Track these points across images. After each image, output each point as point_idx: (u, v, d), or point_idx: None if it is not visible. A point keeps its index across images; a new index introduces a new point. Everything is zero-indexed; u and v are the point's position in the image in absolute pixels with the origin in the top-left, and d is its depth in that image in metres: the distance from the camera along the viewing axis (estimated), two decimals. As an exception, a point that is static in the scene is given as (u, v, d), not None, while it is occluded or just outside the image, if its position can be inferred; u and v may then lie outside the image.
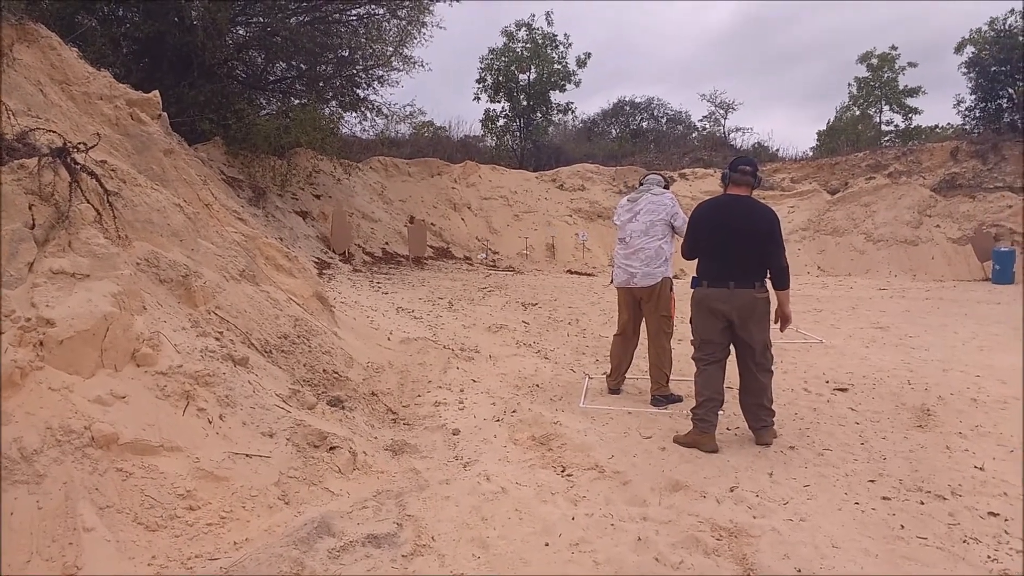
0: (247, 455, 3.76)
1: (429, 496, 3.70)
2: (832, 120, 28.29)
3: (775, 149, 26.44)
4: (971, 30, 22.45)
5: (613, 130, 34.43)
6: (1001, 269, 16.92)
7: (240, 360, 4.62)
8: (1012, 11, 21.73)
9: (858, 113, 26.31)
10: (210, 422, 3.90)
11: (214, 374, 4.20)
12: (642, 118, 34.39)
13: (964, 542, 3.24)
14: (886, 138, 26.26)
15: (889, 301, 12.70)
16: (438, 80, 47.88)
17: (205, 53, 12.95)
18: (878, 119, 26.18)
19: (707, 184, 21.55)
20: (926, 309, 11.53)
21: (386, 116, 18.84)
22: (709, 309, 4.58)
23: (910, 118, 25.90)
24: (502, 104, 27.28)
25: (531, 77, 26.63)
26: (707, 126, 30.24)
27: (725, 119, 27.26)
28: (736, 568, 2.99)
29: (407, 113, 19.34)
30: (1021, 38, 21.26)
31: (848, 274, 18.16)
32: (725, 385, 4.69)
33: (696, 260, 4.78)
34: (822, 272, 18.50)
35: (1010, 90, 22.24)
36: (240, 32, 15.57)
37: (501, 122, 27.98)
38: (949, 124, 26.00)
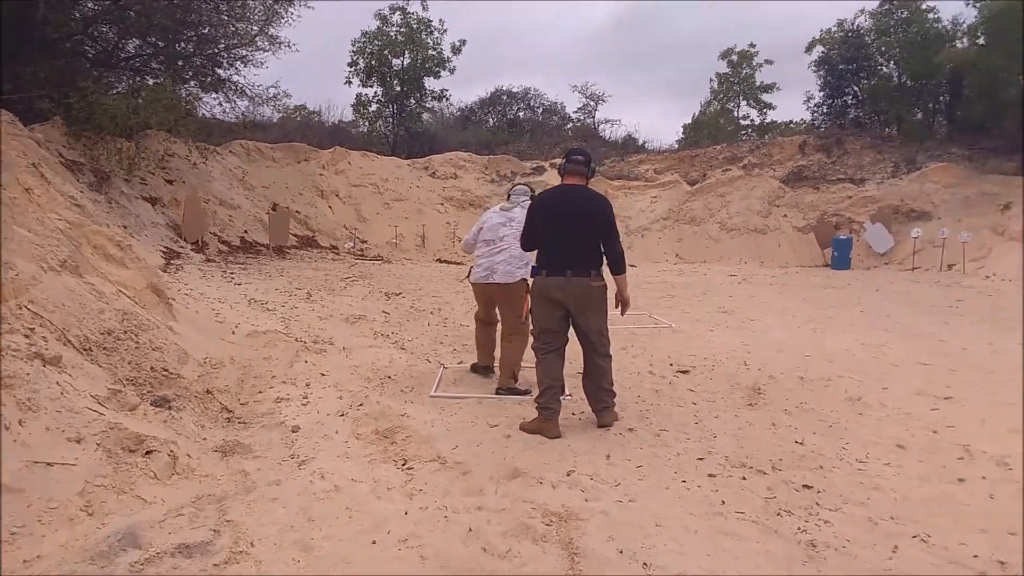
0: (48, 463, 3.42)
1: (255, 499, 3.51)
2: (696, 115, 29.74)
3: (643, 142, 27.48)
4: (821, 30, 24.10)
5: (490, 119, 34.58)
6: (839, 256, 18.34)
7: (51, 359, 4.21)
8: (861, 11, 23.46)
9: (719, 108, 27.69)
10: (7, 428, 3.53)
11: (15, 375, 3.80)
12: (519, 108, 34.73)
13: (778, 514, 3.41)
14: (743, 132, 27.83)
15: (738, 287, 13.45)
16: (311, 63, 46.22)
17: (47, 27, 11.83)
18: (736, 114, 27.68)
19: (575, 174, 22.05)
20: (770, 294, 12.30)
21: (250, 98, 18.02)
22: (548, 298, 4.61)
23: (765, 113, 27.60)
24: (375, 89, 26.73)
25: (405, 62, 26.23)
26: (581, 118, 30.96)
27: (596, 111, 27.90)
28: (562, 552, 3.01)
29: (271, 95, 18.56)
30: (867, 38, 23.02)
31: (704, 261, 19.11)
32: (577, 372, 4.76)
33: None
34: (680, 260, 19.36)
35: (855, 87, 24.10)
36: (89, 5, 14.39)
37: (373, 107, 27.45)
38: (803, 120, 27.96)
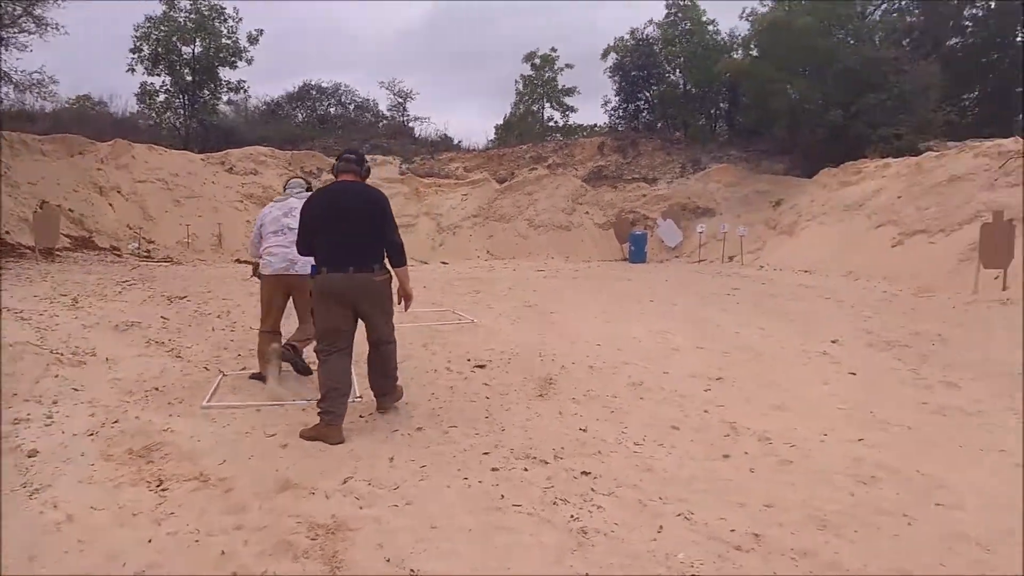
0: None
1: (-41, 541, 2.94)
2: (508, 116, 30.34)
3: (458, 141, 27.61)
4: (615, 38, 25.45)
5: (299, 114, 33.16)
6: (636, 250, 19.45)
7: None
8: (650, 21, 25.01)
9: (523, 110, 28.46)
10: None
11: None
12: (329, 104, 33.56)
13: (554, 504, 3.40)
14: (550, 135, 28.81)
15: (543, 281, 13.81)
16: (94, 49, 41.74)
17: None
18: (542, 115, 28.59)
19: (386, 171, 21.67)
20: (571, 288, 12.73)
21: (14, 84, 15.90)
22: (331, 296, 4.42)
23: (567, 115, 28.74)
24: (163, 78, 24.65)
25: (196, 50, 24.41)
26: (395, 115, 30.39)
27: (405, 108, 27.61)
28: (323, 568, 2.77)
29: (33, 81, 16.49)
30: (656, 47, 24.59)
31: (513, 257, 19.50)
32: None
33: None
34: (491, 256, 19.62)
35: (647, 93, 25.70)
36: None
37: (162, 98, 25.31)
38: (606, 123, 29.39)
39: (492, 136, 30.23)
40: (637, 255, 19.42)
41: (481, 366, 6.30)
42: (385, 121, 30.71)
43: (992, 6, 22.93)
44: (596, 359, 6.62)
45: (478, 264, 18.40)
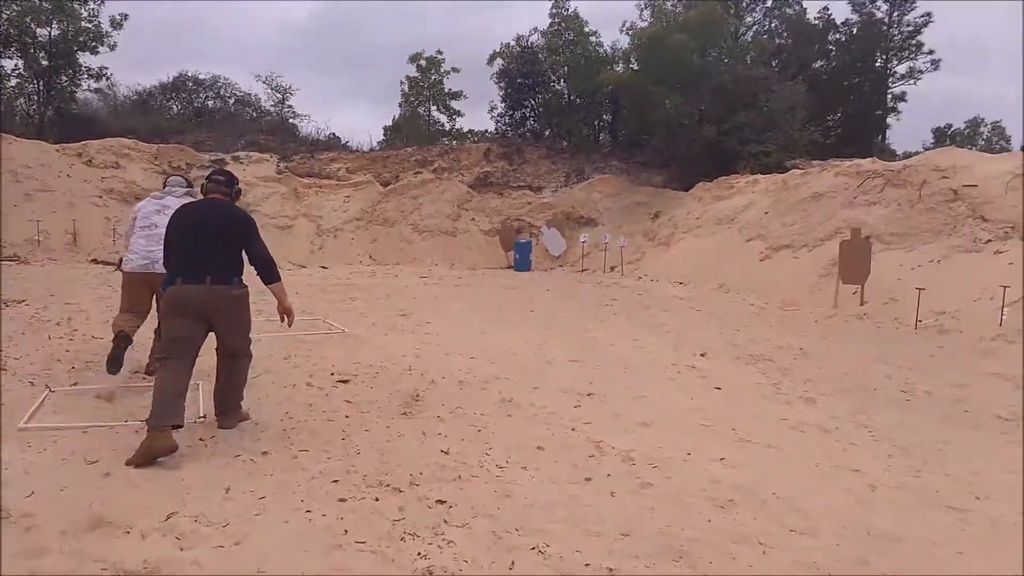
0: None
1: None
2: (396, 117, 29.76)
3: (346, 141, 26.79)
4: (502, 43, 25.46)
5: (174, 106, 31.29)
6: (521, 258, 19.48)
7: None
8: (535, 29, 25.20)
9: (409, 113, 28.04)
10: None
11: None
12: (207, 96, 31.83)
13: (402, 539, 3.15)
14: (439, 140, 28.49)
15: (424, 288, 13.52)
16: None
17: None
18: (428, 118, 28.25)
19: (262, 169, 20.73)
20: (452, 296, 12.51)
21: None
22: (183, 307, 4.30)
23: (454, 120, 28.54)
24: (14, 61, 22.61)
25: (53, 33, 22.52)
26: (276, 112, 29.09)
27: (284, 104, 26.56)
28: (122, 630, 2.41)
29: None
30: (540, 55, 24.79)
31: (397, 263, 19.08)
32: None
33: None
34: (373, 261, 19.11)
35: (532, 101, 25.89)
36: None
37: (13, 83, 23.19)
38: (495, 131, 29.33)
39: (380, 139, 29.65)
40: (522, 263, 19.45)
41: (345, 381, 5.96)
42: (264, 117, 29.43)
43: (855, 32, 24.62)
44: (468, 373, 6.42)
45: (359, 270, 17.85)
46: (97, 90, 25.79)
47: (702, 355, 7.99)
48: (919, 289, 9.67)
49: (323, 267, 18.12)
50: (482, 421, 5.02)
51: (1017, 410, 5.74)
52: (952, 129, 44.02)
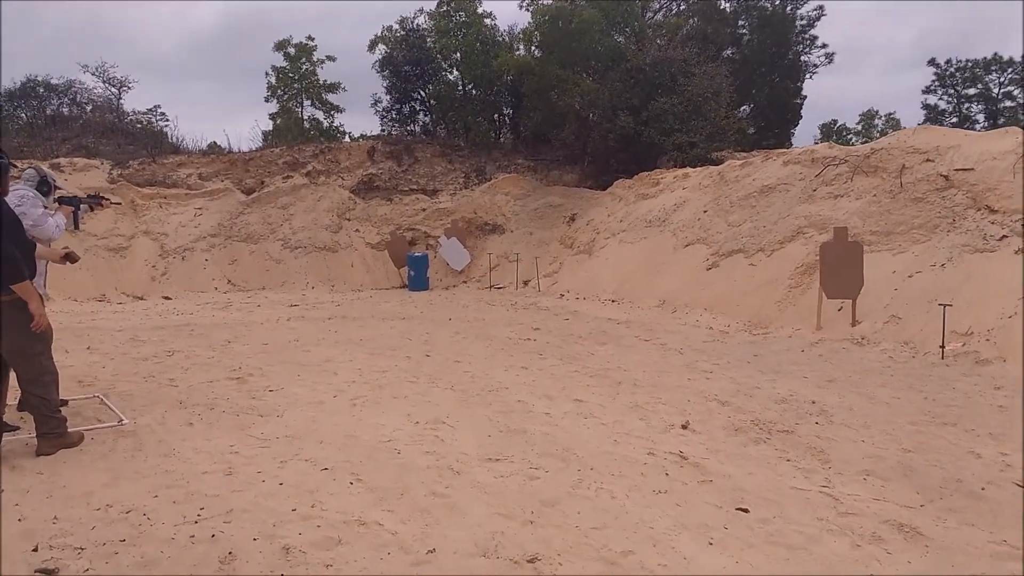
0: None
1: None
2: (279, 119, 25.80)
3: (218, 142, 22.76)
4: (383, 27, 22.21)
5: (23, 114, 26.42)
6: (416, 275, 16.41)
7: None
8: (420, 10, 22.07)
9: (278, 108, 24.30)
10: None
11: None
12: (60, 103, 27.06)
13: None
14: (319, 140, 24.89)
15: (284, 326, 10.22)
16: None
17: None
18: (300, 114, 24.59)
19: (91, 178, 16.71)
20: (321, 336, 9.30)
21: None
22: None
23: (332, 116, 25.00)
24: None
25: None
26: (151, 120, 24.37)
27: (119, 99, 22.31)
28: None
29: None
30: (429, 40, 21.67)
31: (263, 287, 15.62)
32: None
33: None
34: (232, 287, 15.57)
35: (422, 92, 22.75)
36: None
37: None
38: (382, 130, 25.93)
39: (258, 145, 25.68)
40: (417, 281, 16.36)
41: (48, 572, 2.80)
42: (138, 121, 24.89)
43: (768, 12, 22.89)
44: (305, 522, 3.35)
45: (212, 299, 14.29)
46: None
47: (684, 427, 5.25)
48: (944, 305, 7.28)
49: (166, 297, 14.45)
50: None
51: None
52: (838, 124, 43.93)
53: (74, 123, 23.66)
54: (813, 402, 5.94)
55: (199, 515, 3.53)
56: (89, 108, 27.50)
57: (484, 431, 5.07)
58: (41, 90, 27.59)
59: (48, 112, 28.36)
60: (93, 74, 22.35)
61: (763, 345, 8.34)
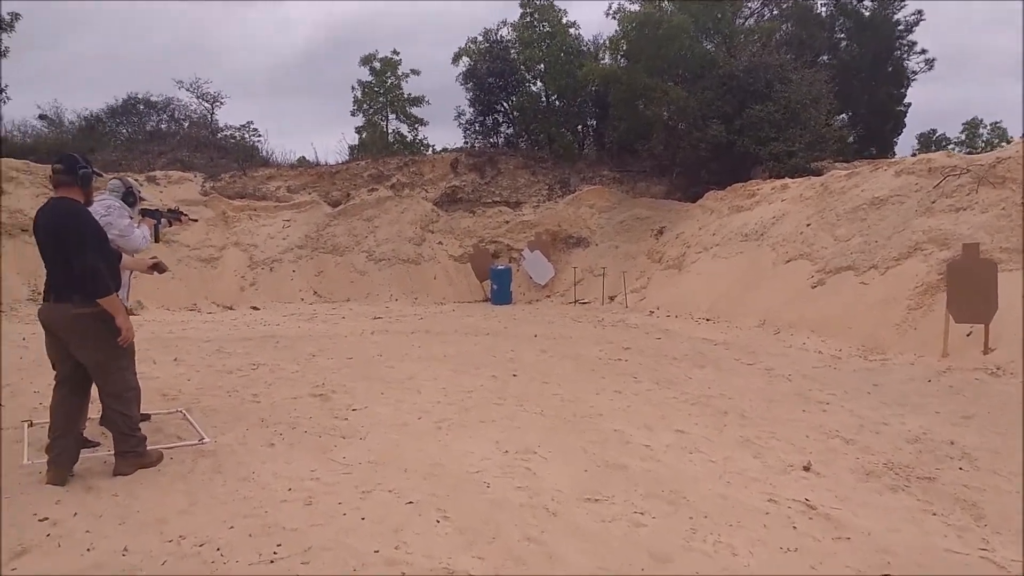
0: None
1: None
2: (365, 133, 26.14)
3: (304, 156, 23.19)
4: (467, 39, 22.14)
5: (124, 130, 27.79)
6: (499, 289, 16.11)
7: None
8: (504, 22, 21.92)
9: (365, 122, 24.53)
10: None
11: None
12: (160, 120, 28.33)
13: None
14: (403, 152, 25.03)
15: (368, 340, 10.05)
16: None
17: None
18: (385, 128, 24.77)
19: (184, 191, 17.19)
20: (404, 350, 9.06)
21: None
22: (44, 327, 4.11)
23: (416, 129, 25.10)
24: None
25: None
26: (244, 135, 25.04)
27: (212, 113, 22.95)
28: None
29: None
30: (512, 51, 21.46)
31: (347, 299, 15.64)
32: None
33: None
34: (318, 298, 15.66)
35: (505, 104, 22.55)
36: None
37: None
38: (464, 142, 25.88)
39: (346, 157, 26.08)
40: (501, 295, 16.05)
41: None
42: (232, 136, 25.69)
43: (867, 16, 21.64)
44: (390, 567, 3.00)
45: (299, 310, 14.38)
46: (42, 116, 22.41)
47: (805, 468, 4.66)
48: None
49: (254, 308, 14.62)
50: None
51: None
52: (937, 134, 41.06)
53: (171, 139, 24.55)
54: (952, 443, 5.23)
55: (275, 553, 3.25)
56: (186, 124, 28.66)
57: (580, 464, 4.63)
58: (141, 107, 28.92)
59: (148, 128, 29.71)
60: (187, 90, 23.00)
61: (882, 373, 7.57)
